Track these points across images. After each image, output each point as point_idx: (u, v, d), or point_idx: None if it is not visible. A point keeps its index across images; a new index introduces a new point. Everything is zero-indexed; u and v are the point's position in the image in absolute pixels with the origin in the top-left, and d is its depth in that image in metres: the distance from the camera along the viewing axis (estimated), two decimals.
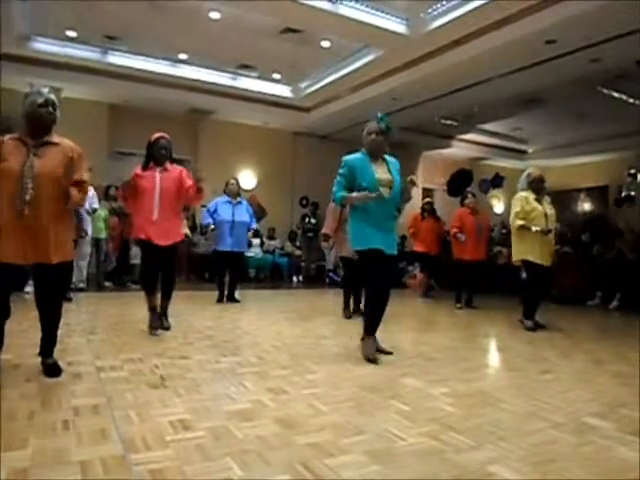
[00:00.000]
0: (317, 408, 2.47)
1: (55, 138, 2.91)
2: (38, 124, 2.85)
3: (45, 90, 2.90)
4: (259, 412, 2.38)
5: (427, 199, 8.63)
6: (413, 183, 3.68)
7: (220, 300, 6.70)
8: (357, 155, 3.67)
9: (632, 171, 10.93)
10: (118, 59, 8.51)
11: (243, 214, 6.73)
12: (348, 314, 5.79)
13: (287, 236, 11.47)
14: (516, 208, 5.31)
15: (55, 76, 8.30)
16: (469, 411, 2.51)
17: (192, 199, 4.43)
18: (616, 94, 8.34)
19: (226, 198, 6.72)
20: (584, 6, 5.52)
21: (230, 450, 1.92)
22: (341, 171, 3.63)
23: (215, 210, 6.63)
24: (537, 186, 5.37)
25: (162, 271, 4.43)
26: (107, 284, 8.08)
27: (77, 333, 4.20)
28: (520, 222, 5.23)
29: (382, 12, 6.69)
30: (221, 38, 7.62)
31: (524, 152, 13.34)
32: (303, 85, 9.85)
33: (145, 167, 4.32)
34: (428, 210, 8.16)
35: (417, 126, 10.54)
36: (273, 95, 10.00)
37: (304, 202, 12.30)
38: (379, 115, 3.66)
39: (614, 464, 1.95)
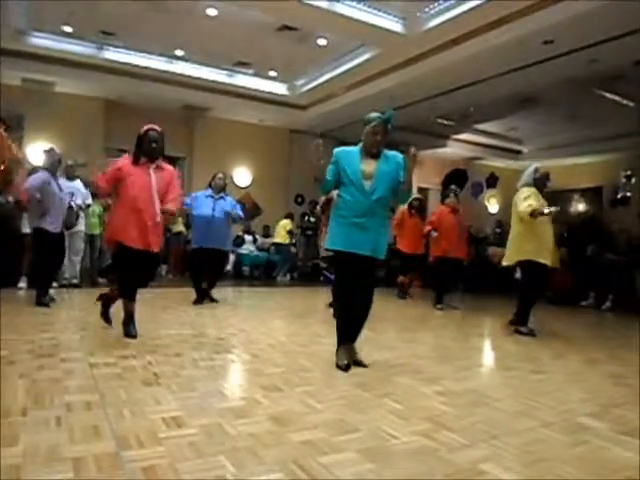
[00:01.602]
0: (311, 406, 2.47)
1: None
2: None
3: None
4: (252, 409, 2.38)
5: (417, 195, 8.42)
6: (414, 157, 3.35)
7: (198, 302, 6.07)
8: (350, 148, 3.47)
9: (628, 173, 11.03)
10: (114, 55, 8.47)
11: (223, 210, 6.13)
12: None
13: None
14: (529, 199, 4.91)
15: (51, 71, 8.28)
16: (462, 410, 2.52)
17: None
18: (612, 95, 8.35)
19: (209, 192, 6.16)
20: (582, 7, 5.51)
21: (223, 448, 1.91)
22: (330, 164, 3.45)
23: (194, 202, 6.10)
24: (542, 183, 5.19)
25: (146, 276, 4.09)
26: (101, 280, 8.05)
27: (70, 329, 4.18)
28: (532, 203, 4.81)
29: (379, 11, 6.68)
30: (218, 35, 7.60)
31: (519, 152, 13.37)
32: (299, 83, 9.83)
33: (137, 162, 3.87)
34: (416, 207, 7.94)
35: (413, 125, 10.52)
36: (269, 92, 9.97)
37: (299, 200, 12.29)
38: (388, 114, 3.38)
39: (608, 464, 1.96)
